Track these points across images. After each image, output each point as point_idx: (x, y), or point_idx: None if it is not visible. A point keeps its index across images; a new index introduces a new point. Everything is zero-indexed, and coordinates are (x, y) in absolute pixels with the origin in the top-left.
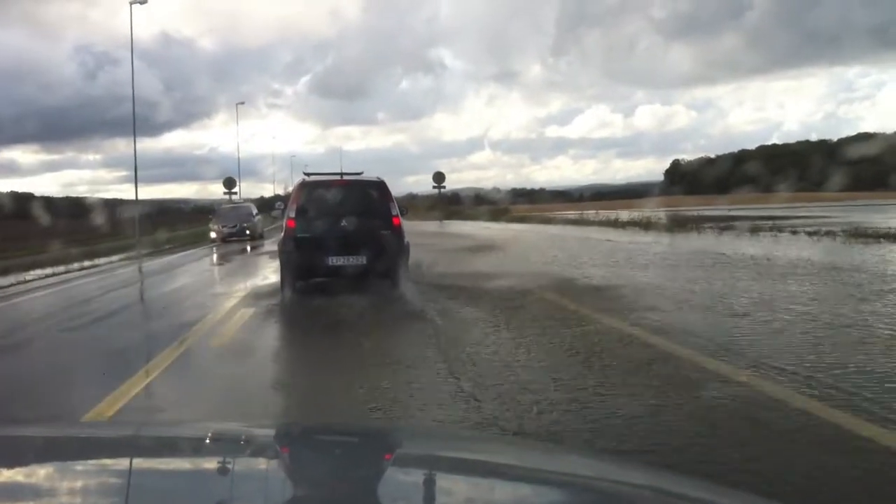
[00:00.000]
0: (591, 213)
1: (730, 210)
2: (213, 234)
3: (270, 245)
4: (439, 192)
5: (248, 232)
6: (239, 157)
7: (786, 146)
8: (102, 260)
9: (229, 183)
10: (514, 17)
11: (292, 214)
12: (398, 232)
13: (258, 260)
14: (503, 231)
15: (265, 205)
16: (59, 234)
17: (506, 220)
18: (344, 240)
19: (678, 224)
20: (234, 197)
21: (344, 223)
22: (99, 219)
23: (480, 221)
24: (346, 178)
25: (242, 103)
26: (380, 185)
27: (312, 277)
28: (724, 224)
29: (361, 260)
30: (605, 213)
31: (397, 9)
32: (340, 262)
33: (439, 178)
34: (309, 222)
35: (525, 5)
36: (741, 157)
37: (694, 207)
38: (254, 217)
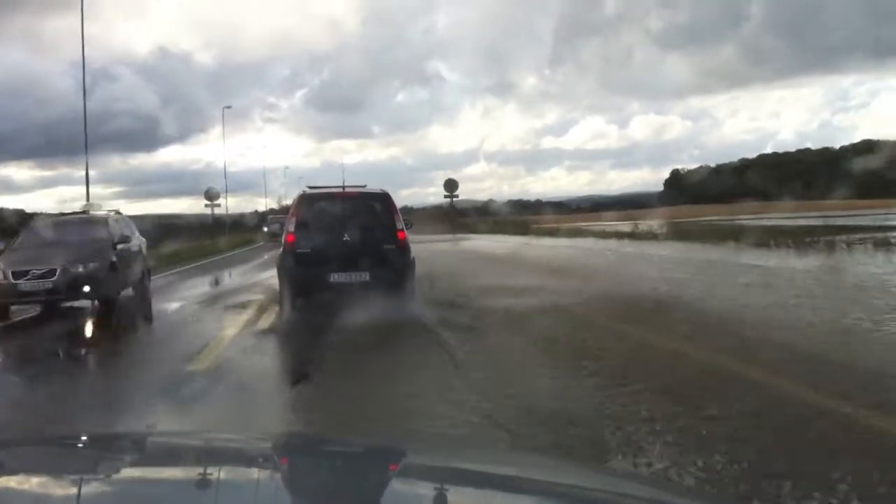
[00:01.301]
0: (621, 225)
1: (781, 218)
2: None
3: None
4: (451, 202)
5: (86, 287)
6: (225, 166)
7: (787, 154)
8: None
9: (211, 195)
10: (509, 28)
11: (291, 228)
12: (403, 246)
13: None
14: (571, 251)
15: (261, 219)
16: None
17: (534, 234)
18: (346, 255)
19: (788, 238)
20: (216, 210)
21: (346, 237)
22: None
23: (503, 236)
24: (348, 190)
25: (229, 107)
26: (384, 198)
27: (312, 295)
28: (840, 237)
29: (364, 276)
30: (638, 224)
31: (393, 22)
32: (342, 278)
33: (451, 185)
34: (309, 236)
35: (521, 17)
36: (742, 166)
37: (732, 217)
38: (111, 249)
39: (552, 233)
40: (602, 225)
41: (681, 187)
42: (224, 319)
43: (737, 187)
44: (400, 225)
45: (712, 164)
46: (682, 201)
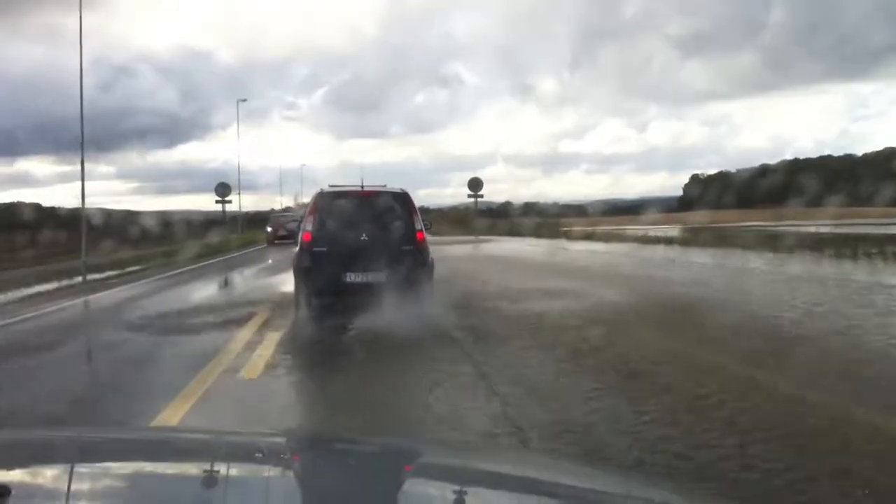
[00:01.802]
0: (655, 229)
1: (828, 225)
2: None
3: None
4: (475, 203)
5: None
6: (239, 162)
7: (808, 160)
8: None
9: (223, 190)
10: (529, 31)
11: (308, 227)
12: (422, 247)
13: None
14: (626, 260)
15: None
16: (26, 248)
17: (566, 238)
18: (363, 255)
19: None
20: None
21: (364, 237)
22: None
23: (532, 239)
24: (367, 189)
25: (244, 100)
26: (403, 197)
27: (328, 295)
28: None
29: (381, 277)
30: (683, 228)
31: (413, 24)
32: (359, 278)
33: (476, 184)
34: (326, 235)
35: (541, 20)
36: (763, 171)
37: (771, 223)
38: None
39: (587, 236)
40: (636, 229)
41: (701, 192)
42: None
43: (761, 193)
44: (419, 225)
45: (730, 170)
46: (702, 206)
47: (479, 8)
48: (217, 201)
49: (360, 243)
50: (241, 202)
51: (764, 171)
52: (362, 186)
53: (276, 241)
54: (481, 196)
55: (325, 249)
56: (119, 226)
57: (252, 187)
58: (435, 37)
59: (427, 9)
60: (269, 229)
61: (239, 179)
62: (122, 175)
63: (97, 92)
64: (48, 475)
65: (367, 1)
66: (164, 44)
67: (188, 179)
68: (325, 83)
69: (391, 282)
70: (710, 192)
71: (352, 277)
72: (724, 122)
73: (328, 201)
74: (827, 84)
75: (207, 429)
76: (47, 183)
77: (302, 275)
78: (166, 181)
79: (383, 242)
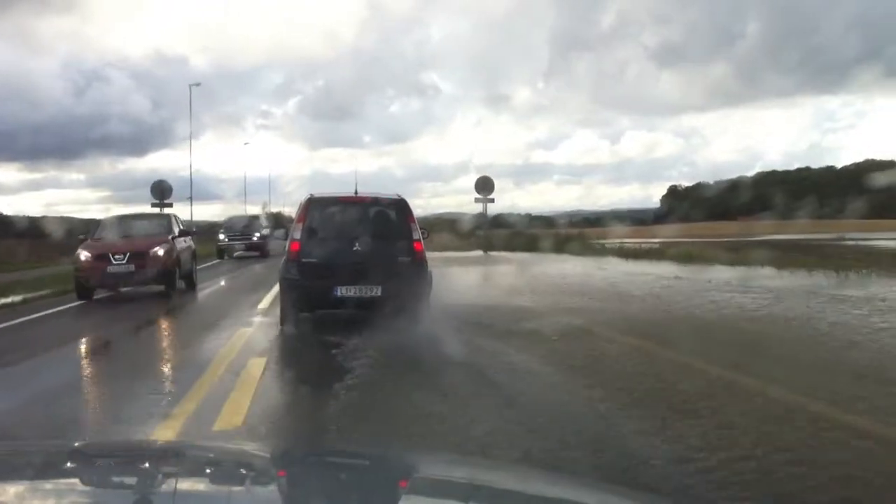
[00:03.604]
0: (680, 243)
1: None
2: None
3: None
4: (485, 209)
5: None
6: (191, 163)
7: (787, 172)
8: None
9: (161, 190)
10: (504, 41)
11: (297, 235)
12: (420, 259)
13: None
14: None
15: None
16: None
17: (614, 255)
18: (356, 267)
19: None
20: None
21: (357, 247)
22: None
23: (561, 255)
24: (360, 195)
25: (198, 84)
26: (399, 204)
27: (318, 310)
28: None
29: (376, 291)
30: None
31: (388, 33)
32: (351, 292)
33: (486, 185)
34: (316, 245)
35: (516, 30)
36: (740, 183)
37: (772, 235)
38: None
39: (637, 255)
40: (653, 241)
41: (680, 203)
42: None
43: (740, 204)
44: (417, 235)
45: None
46: (681, 218)
47: (455, 17)
48: (153, 205)
49: (353, 254)
50: (207, 211)
51: (740, 182)
52: (356, 192)
53: (238, 254)
54: (492, 200)
55: (314, 260)
56: (67, 235)
57: (221, 196)
58: (410, 45)
59: (403, 17)
60: (221, 238)
61: (191, 178)
62: (92, 184)
63: (68, 98)
64: (38, 489)
65: (342, 9)
66: (137, 49)
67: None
68: (299, 91)
69: (387, 296)
70: (687, 203)
71: (343, 291)
72: (695, 134)
73: (318, 208)
74: (798, 97)
75: (193, 444)
76: (14, 191)
77: (289, 288)
78: (136, 190)
79: (378, 254)
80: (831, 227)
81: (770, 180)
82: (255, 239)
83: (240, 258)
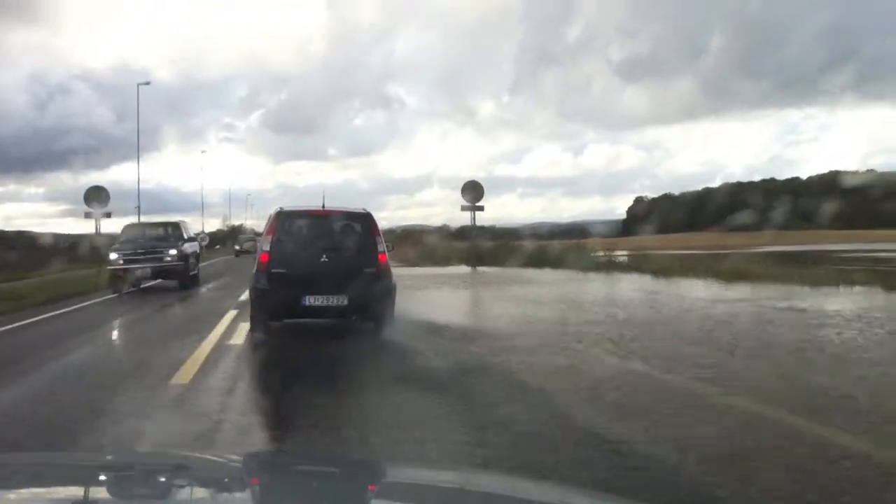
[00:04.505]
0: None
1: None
2: None
3: None
4: (473, 218)
5: None
6: (139, 167)
7: (751, 184)
8: None
9: (96, 197)
10: (469, 55)
11: (266, 247)
12: (385, 269)
13: None
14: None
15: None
16: None
17: (602, 269)
18: (323, 277)
19: None
20: (104, 222)
21: (324, 258)
22: None
23: (555, 272)
24: (327, 209)
25: (148, 83)
26: (365, 218)
27: (286, 318)
28: None
29: (342, 300)
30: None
31: (353, 46)
32: (319, 301)
33: (475, 192)
34: (285, 256)
35: (481, 44)
36: (706, 194)
37: (757, 246)
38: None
39: (664, 271)
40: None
41: (646, 215)
42: None
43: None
44: (382, 247)
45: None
46: (647, 230)
47: (421, 31)
48: (87, 214)
49: (320, 265)
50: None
51: (706, 194)
52: (323, 206)
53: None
54: (481, 208)
55: (283, 271)
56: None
57: (182, 210)
58: (376, 59)
59: (369, 30)
60: (113, 258)
61: (138, 187)
62: (52, 197)
63: (30, 110)
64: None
65: (308, 22)
66: (101, 61)
67: (120, 202)
68: (263, 104)
69: (353, 305)
70: (657, 213)
71: (311, 300)
72: (657, 146)
73: (287, 221)
74: (760, 110)
75: (165, 452)
76: None
77: (259, 297)
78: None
79: (345, 264)
80: (822, 237)
81: (739, 190)
82: (168, 259)
83: (147, 291)
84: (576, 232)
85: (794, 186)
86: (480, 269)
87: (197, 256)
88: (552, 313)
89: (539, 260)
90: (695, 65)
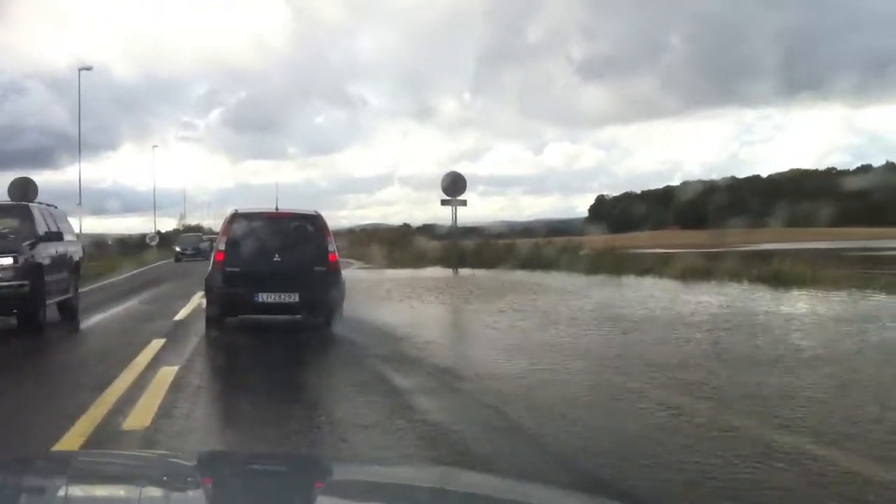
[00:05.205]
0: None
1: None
2: None
3: None
4: (454, 216)
5: None
6: (80, 162)
7: (713, 182)
8: None
9: (23, 189)
10: (431, 53)
11: (221, 247)
12: (335, 269)
13: None
14: None
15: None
16: None
17: (604, 270)
18: (275, 276)
19: None
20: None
21: (276, 258)
22: None
23: (555, 274)
24: (280, 210)
25: (89, 69)
26: (316, 220)
27: (240, 314)
28: None
29: (293, 297)
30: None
31: (314, 43)
32: (271, 298)
33: (457, 185)
34: (239, 256)
35: (443, 42)
36: (668, 192)
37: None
38: None
39: (688, 274)
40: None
41: (608, 214)
42: None
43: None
44: (332, 247)
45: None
46: (610, 229)
47: (383, 29)
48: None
49: (273, 264)
50: (123, 224)
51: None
52: (276, 208)
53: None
54: (464, 202)
55: (237, 269)
56: None
57: (139, 209)
58: (337, 57)
59: (330, 29)
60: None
61: (80, 183)
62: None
63: None
64: None
65: (268, 19)
66: (56, 58)
67: (72, 202)
68: (223, 102)
69: (303, 302)
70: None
71: (263, 297)
72: (616, 145)
73: (241, 222)
74: (719, 109)
75: (115, 452)
76: None
77: (213, 294)
78: (54, 203)
79: (296, 263)
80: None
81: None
82: None
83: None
84: (538, 230)
85: (757, 184)
86: (463, 271)
87: (76, 267)
88: (609, 348)
89: (528, 261)
90: (654, 64)
